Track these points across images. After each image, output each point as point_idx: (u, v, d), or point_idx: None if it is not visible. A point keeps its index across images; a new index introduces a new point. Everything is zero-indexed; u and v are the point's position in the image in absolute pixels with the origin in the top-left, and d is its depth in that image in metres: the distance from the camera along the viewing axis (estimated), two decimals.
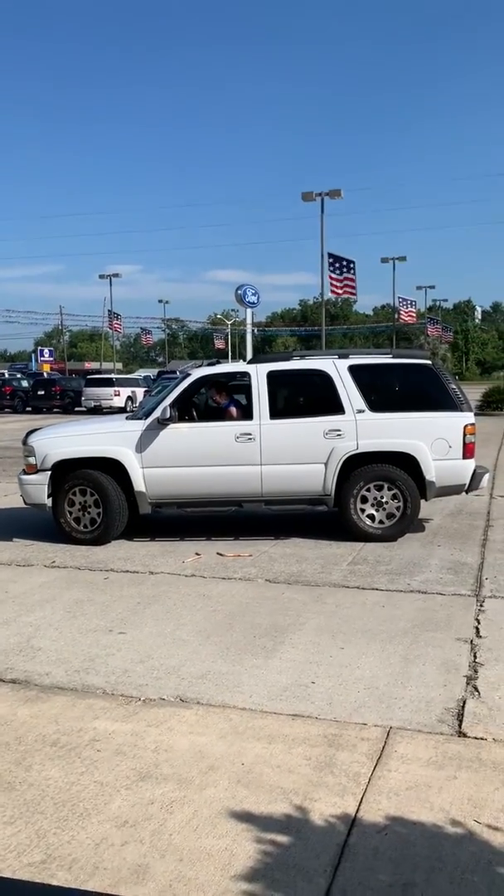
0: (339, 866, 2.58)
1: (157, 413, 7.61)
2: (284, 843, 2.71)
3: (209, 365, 8.55)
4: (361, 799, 2.99)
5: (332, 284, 31.21)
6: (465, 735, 3.54)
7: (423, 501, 7.63)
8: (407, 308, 53.83)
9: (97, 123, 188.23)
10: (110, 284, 52.03)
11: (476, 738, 3.52)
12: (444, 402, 7.57)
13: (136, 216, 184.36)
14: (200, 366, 8.53)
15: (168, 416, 7.51)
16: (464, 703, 3.88)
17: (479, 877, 2.54)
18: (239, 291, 27.59)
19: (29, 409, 35.53)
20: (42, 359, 52.99)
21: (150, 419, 7.65)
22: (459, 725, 3.63)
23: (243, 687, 4.11)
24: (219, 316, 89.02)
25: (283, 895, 2.43)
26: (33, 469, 7.72)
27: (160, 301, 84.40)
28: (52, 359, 55.60)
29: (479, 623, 5.09)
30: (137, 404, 28.91)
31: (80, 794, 3.04)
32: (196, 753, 3.36)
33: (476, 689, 4.05)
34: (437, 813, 2.90)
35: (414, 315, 56.48)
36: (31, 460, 7.73)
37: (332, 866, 2.58)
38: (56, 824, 2.83)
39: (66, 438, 7.95)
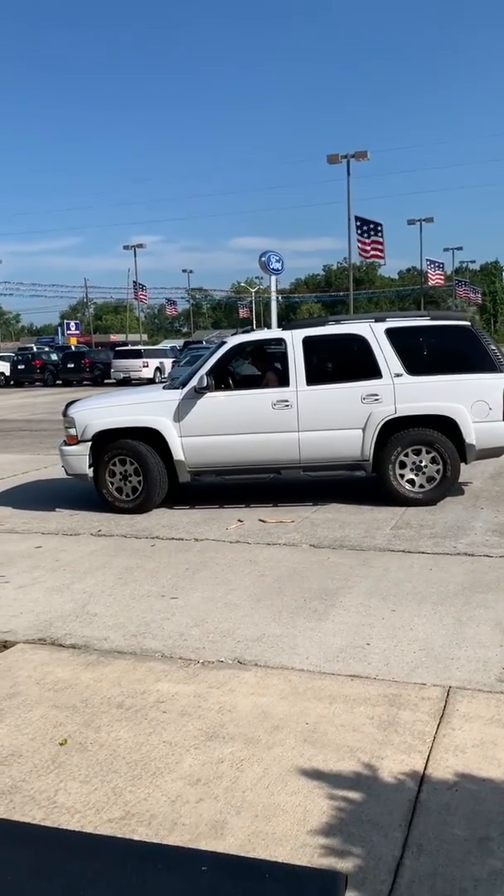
0: (413, 821, 2.62)
1: (193, 382, 7.60)
2: (356, 799, 2.75)
3: (244, 332, 8.50)
4: (428, 756, 3.02)
5: (360, 248, 30.76)
6: None
7: (462, 465, 7.57)
8: (435, 271, 52.84)
9: (116, 93, 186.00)
10: (134, 255, 51.81)
11: None
12: (483, 363, 7.45)
13: (157, 185, 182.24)
14: (235, 333, 8.49)
15: (205, 384, 7.51)
16: None
17: None
18: (262, 258, 27.14)
19: (59, 382, 35.77)
20: (68, 332, 53.15)
21: (186, 388, 7.66)
22: None
23: (299, 649, 4.15)
24: (242, 284, 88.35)
25: (361, 848, 2.47)
26: (74, 440, 7.79)
27: (184, 271, 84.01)
28: (77, 332, 55.74)
29: None
30: (166, 375, 28.95)
31: (150, 754, 3.11)
32: (260, 714, 3.41)
33: None
34: None
35: (442, 278, 55.47)
36: (72, 431, 7.80)
37: (405, 821, 2.61)
38: (130, 782, 2.91)
39: (106, 409, 8.00)
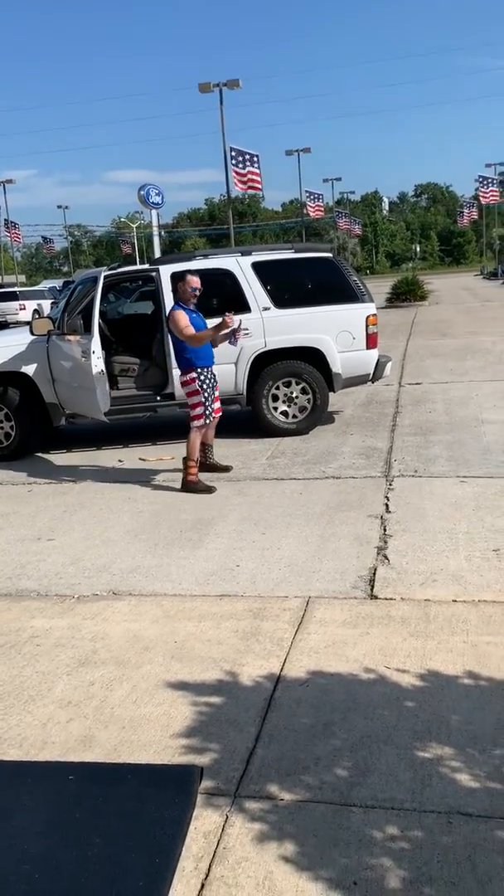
0: (267, 716, 2.89)
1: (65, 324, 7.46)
2: (217, 703, 2.99)
3: (111, 269, 8.35)
4: (285, 660, 3.30)
5: (236, 179, 30.35)
6: (376, 597, 3.90)
7: (331, 393, 7.88)
8: (314, 202, 52.95)
9: None
10: (4, 191, 49.00)
11: (386, 598, 3.88)
12: (346, 294, 7.71)
13: (26, 116, 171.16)
14: (110, 268, 8.27)
15: (75, 326, 7.38)
16: (375, 570, 4.24)
17: (389, 711, 2.89)
18: (141, 192, 26.46)
19: None
20: None
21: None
22: (371, 589, 3.99)
23: (172, 576, 4.34)
24: (123, 219, 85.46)
25: (218, 744, 2.72)
26: None
27: (59, 207, 79.99)
28: None
29: (388, 500, 5.46)
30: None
31: (23, 684, 3.24)
32: (131, 638, 3.60)
33: (386, 557, 4.41)
34: (352, 664, 3.24)
35: (322, 210, 55.72)
36: None
37: (260, 717, 2.88)
38: (3, 712, 3.03)
39: None
